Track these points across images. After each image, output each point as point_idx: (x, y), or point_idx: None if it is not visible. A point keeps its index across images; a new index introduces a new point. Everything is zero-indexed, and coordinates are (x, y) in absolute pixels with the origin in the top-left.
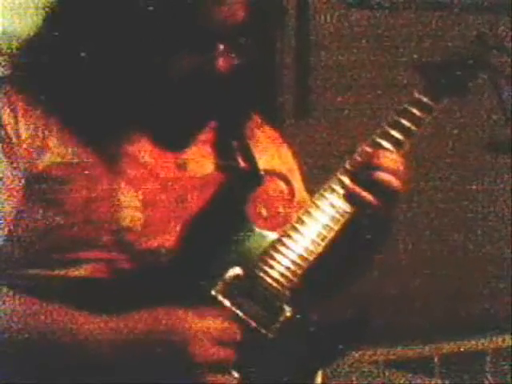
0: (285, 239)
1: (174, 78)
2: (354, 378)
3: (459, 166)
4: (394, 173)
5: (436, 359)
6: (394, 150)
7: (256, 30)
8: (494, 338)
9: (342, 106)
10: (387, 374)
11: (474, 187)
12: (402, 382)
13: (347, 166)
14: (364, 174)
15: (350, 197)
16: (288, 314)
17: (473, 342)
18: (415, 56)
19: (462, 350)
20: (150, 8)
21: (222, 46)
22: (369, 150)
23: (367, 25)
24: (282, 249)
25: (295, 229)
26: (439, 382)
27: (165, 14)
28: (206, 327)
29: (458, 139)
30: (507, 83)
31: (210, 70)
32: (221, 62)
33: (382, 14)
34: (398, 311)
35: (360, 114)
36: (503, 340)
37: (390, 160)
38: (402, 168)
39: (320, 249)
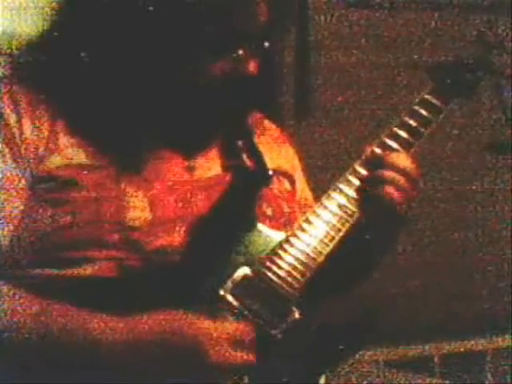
0: (293, 239)
1: (192, 83)
2: (353, 378)
3: (459, 166)
4: (404, 172)
5: (436, 359)
6: (403, 151)
7: (275, 33)
8: (494, 338)
9: (343, 105)
10: (387, 373)
11: (474, 187)
12: (401, 382)
13: (356, 166)
14: (374, 174)
15: (364, 192)
16: (296, 315)
17: (473, 342)
18: (415, 56)
19: (461, 350)
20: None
21: (246, 50)
22: (378, 150)
23: (367, 25)
24: (289, 249)
25: (303, 229)
26: (439, 382)
27: (181, 16)
28: (221, 329)
29: (458, 139)
30: (507, 83)
31: (234, 75)
32: (246, 66)
33: (382, 14)
34: (398, 311)
35: (360, 113)
36: (503, 340)
37: (400, 160)
38: (412, 168)
39: (328, 249)
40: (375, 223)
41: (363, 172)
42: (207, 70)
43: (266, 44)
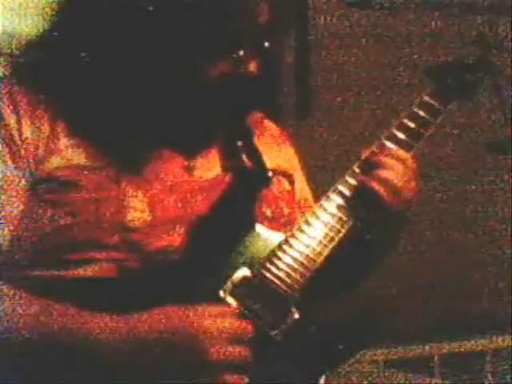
0: (292, 241)
1: (192, 83)
2: (353, 378)
3: (459, 166)
4: (399, 172)
5: (436, 359)
6: (402, 152)
7: (276, 33)
8: (494, 338)
9: (343, 106)
10: (387, 373)
11: (474, 187)
12: (402, 382)
13: (355, 168)
14: (369, 174)
15: (359, 193)
16: (296, 316)
17: (473, 342)
18: (415, 56)
19: (462, 349)
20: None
21: (246, 51)
22: (377, 152)
23: (367, 25)
24: (289, 250)
25: (302, 230)
26: (439, 382)
27: (184, 16)
28: (220, 326)
29: (458, 139)
30: (507, 83)
31: (235, 75)
32: (246, 67)
33: (382, 14)
34: (398, 311)
35: (360, 114)
36: (503, 340)
37: (396, 160)
38: (409, 169)
39: (327, 251)
40: (373, 224)
41: (362, 173)
42: (207, 71)
43: (266, 44)
